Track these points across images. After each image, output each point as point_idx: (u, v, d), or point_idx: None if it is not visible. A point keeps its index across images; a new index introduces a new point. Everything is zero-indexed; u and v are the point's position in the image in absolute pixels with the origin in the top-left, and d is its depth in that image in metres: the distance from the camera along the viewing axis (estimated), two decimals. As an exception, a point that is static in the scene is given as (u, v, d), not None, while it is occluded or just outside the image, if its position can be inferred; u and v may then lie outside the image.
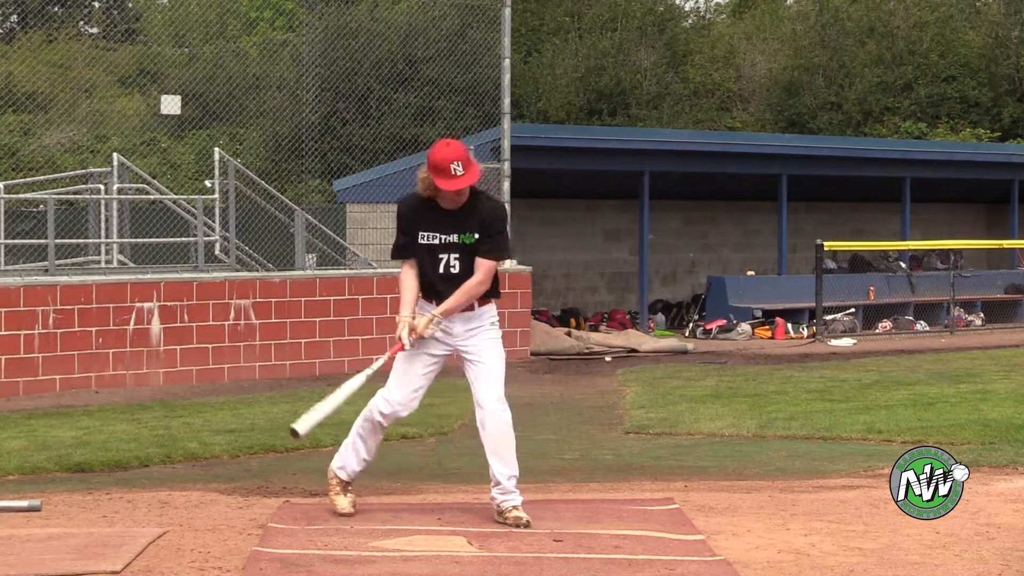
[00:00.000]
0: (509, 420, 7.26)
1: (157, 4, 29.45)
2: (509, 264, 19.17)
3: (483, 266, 7.21)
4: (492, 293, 7.37)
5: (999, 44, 38.67)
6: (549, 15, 38.90)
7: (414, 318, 7.23)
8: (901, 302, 24.51)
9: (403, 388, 7.31)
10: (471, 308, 7.29)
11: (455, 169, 7.04)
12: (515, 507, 7.20)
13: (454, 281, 7.23)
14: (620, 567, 6.27)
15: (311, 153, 21.47)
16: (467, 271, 7.24)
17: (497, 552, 6.57)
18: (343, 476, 7.47)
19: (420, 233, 7.23)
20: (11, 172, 21.18)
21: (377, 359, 7.41)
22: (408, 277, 7.30)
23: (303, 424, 7.28)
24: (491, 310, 7.37)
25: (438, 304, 7.23)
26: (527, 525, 7.09)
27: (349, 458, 7.47)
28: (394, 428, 11.41)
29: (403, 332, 7.20)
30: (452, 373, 7.65)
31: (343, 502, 7.43)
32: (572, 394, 14.98)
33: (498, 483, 7.22)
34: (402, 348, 7.25)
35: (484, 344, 7.30)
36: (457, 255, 7.22)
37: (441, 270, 7.23)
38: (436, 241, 7.22)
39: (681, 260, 27.24)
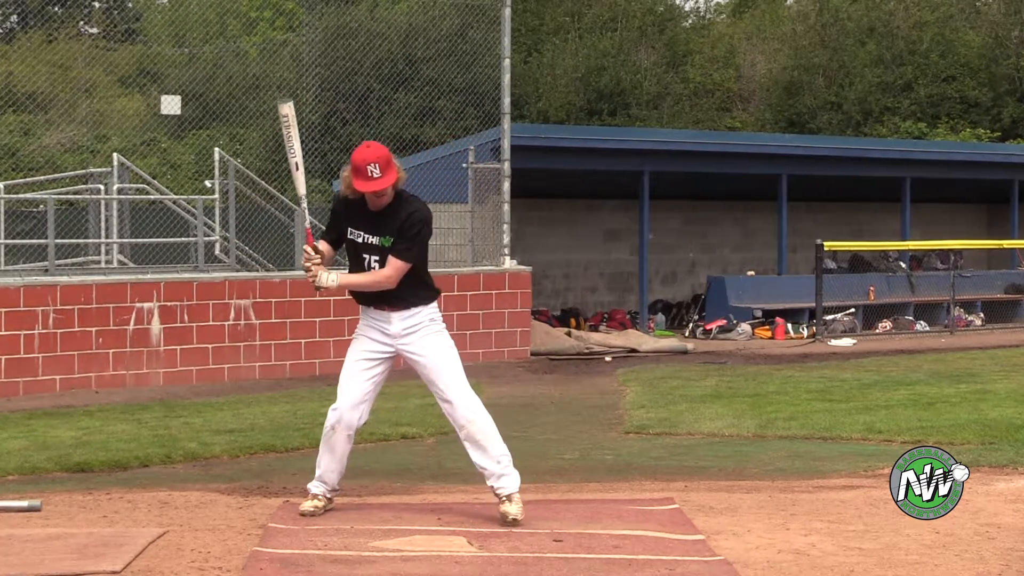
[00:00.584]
0: (480, 406, 7.32)
1: (157, 4, 29.47)
2: (509, 264, 19.18)
3: (391, 264, 7.30)
4: (425, 295, 7.43)
5: (999, 44, 38.68)
6: (549, 15, 38.92)
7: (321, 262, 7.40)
8: (901, 302, 24.50)
9: (347, 395, 7.39)
10: (407, 307, 7.36)
11: (372, 171, 7.15)
12: (509, 496, 7.23)
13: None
14: (620, 567, 6.27)
15: (311, 153, 21.47)
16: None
17: (497, 552, 6.57)
18: (315, 490, 7.52)
19: (349, 229, 7.39)
20: (11, 172, 21.20)
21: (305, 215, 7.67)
22: (321, 243, 7.47)
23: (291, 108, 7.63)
24: (428, 309, 7.42)
25: (376, 307, 7.38)
26: (515, 522, 7.14)
27: (319, 476, 7.54)
28: (394, 428, 11.46)
29: (316, 255, 7.36)
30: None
31: (307, 504, 7.50)
32: (572, 394, 14.98)
33: (490, 473, 7.26)
34: (310, 245, 7.40)
35: (427, 341, 7.37)
36: (377, 257, 7.34)
37: (366, 269, 7.37)
38: (360, 239, 7.36)
39: (681, 260, 27.23)
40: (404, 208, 7.35)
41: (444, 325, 7.45)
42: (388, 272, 7.28)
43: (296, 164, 7.56)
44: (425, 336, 7.36)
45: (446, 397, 7.35)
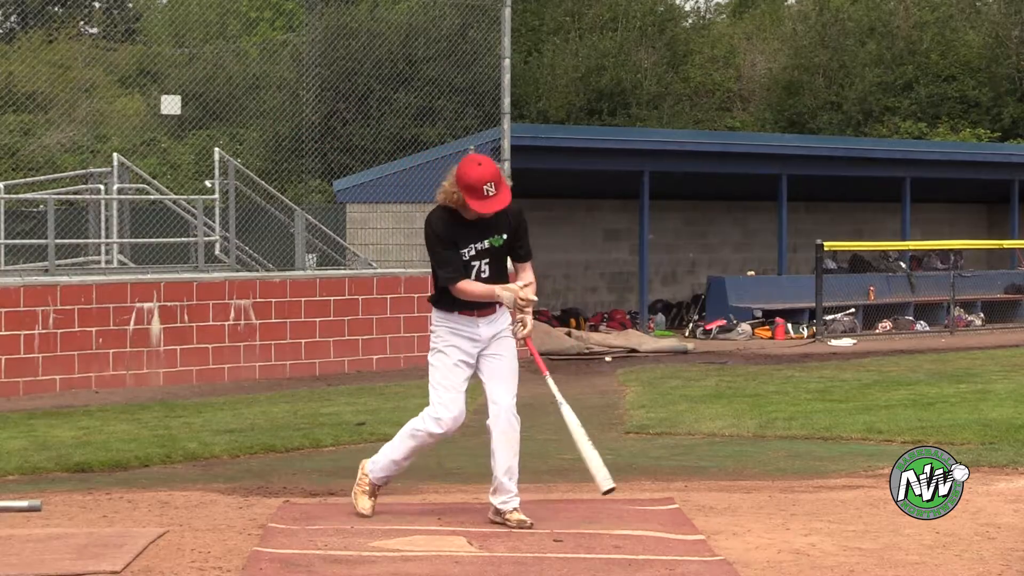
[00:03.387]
0: (519, 420, 7.26)
1: (157, 4, 29.47)
2: (509, 264, 19.16)
3: (528, 268, 7.31)
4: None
5: (999, 44, 38.66)
6: (549, 15, 38.89)
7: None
8: (901, 302, 24.51)
9: (453, 405, 7.22)
10: (493, 311, 7.28)
11: (487, 190, 6.97)
12: (515, 509, 7.19)
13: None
14: (620, 567, 6.27)
15: (311, 153, 21.47)
16: (495, 275, 7.25)
17: (497, 552, 6.57)
18: (377, 481, 7.44)
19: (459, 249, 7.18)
20: (11, 172, 21.20)
21: (548, 380, 7.39)
22: (472, 282, 7.18)
23: (604, 478, 7.24)
24: (508, 314, 7.36)
25: (463, 313, 7.18)
26: (531, 526, 7.09)
27: (389, 467, 7.42)
28: (394, 428, 11.40)
29: (507, 293, 7.17)
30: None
31: (366, 503, 7.40)
32: (572, 394, 14.86)
33: (499, 484, 7.19)
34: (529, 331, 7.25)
35: (504, 343, 7.30)
36: (487, 260, 7.22)
37: (473, 278, 7.19)
38: (473, 252, 7.17)
39: (681, 260, 27.24)
40: (510, 206, 7.17)
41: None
42: (531, 278, 7.32)
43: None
44: (504, 341, 7.29)
45: (498, 399, 7.21)
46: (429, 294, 7.40)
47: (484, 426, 7.32)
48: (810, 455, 10.17)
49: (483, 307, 7.24)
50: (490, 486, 7.25)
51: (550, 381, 7.34)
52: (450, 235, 7.12)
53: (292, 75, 24.97)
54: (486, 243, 7.18)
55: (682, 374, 16.53)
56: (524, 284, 7.25)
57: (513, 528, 7.08)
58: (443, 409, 7.19)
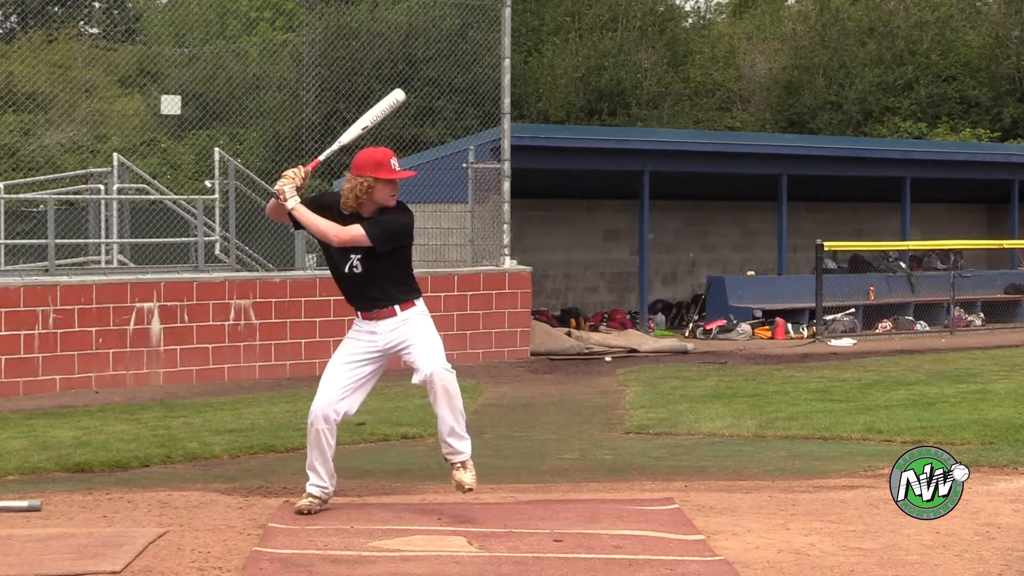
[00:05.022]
0: (451, 370, 7.36)
1: (157, 4, 29.47)
2: (509, 264, 19.18)
3: (352, 228, 7.38)
4: (408, 295, 7.50)
5: (999, 44, 38.68)
6: (549, 15, 38.91)
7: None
8: (901, 302, 24.51)
9: (325, 389, 7.44)
10: (393, 313, 7.44)
11: (394, 164, 7.39)
12: (460, 465, 7.36)
13: (356, 281, 7.47)
14: (620, 567, 6.27)
15: (311, 153, 21.42)
16: (369, 272, 7.42)
17: (497, 552, 6.57)
18: (313, 491, 7.54)
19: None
20: (11, 172, 21.19)
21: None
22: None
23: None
24: (416, 309, 7.49)
25: (364, 317, 7.48)
26: (469, 490, 7.30)
27: (311, 477, 7.56)
28: (394, 428, 11.45)
29: (299, 176, 7.50)
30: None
31: (302, 502, 7.52)
32: (572, 394, 14.98)
33: (443, 443, 7.40)
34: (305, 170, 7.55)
35: (412, 329, 7.43)
36: (360, 255, 7.42)
37: (346, 270, 7.47)
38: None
39: (681, 260, 27.24)
40: (394, 210, 7.46)
41: (430, 318, 7.54)
42: (339, 229, 7.37)
43: (364, 128, 7.79)
44: (411, 327, 7.44)
45: (423, 366, 7.34)
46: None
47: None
48: (810, 455, 10.18)
49: (379, 307, 7.44)
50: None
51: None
52: (330, 213, 7.48)
53: (292, 75, 24.98)
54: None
55: (682, 374, 16.53)
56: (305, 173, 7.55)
57: (452, 488, 7.25)
58: (319, 393, 7.47)
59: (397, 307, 7.44)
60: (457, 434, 7.36)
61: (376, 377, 7.58)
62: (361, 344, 7.48)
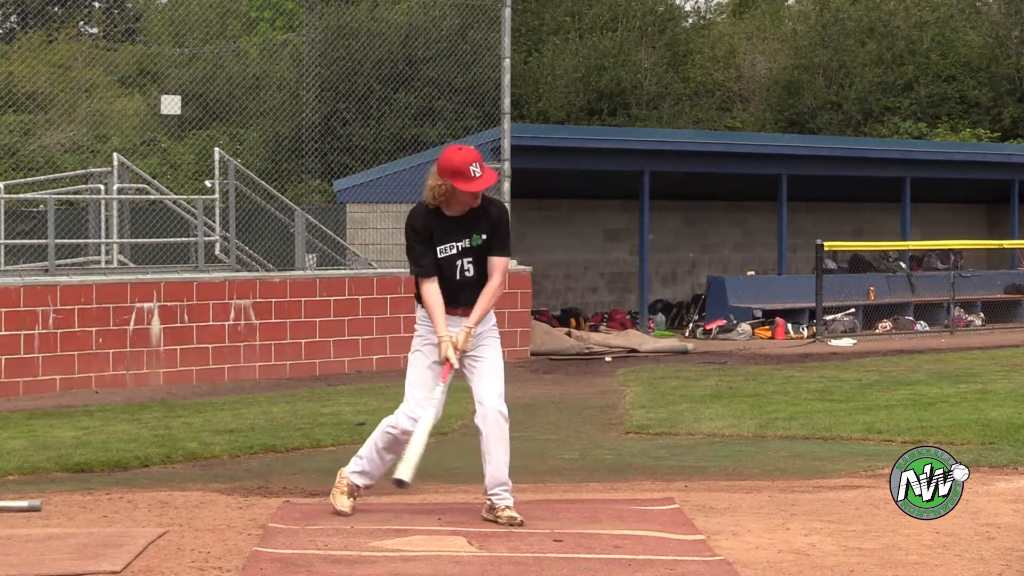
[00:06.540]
0: (507, 419, 7.26)
1: (157, 4, 29.47)
2: (509, 264, 19.16)
3: (499, 266, 7.28)
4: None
5: (999, 44, 38.66)
6: (549, 15, 38.89)
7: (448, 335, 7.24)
8: (901, 302, 24.51)
9: (427, 404, 7.25)
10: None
11: (474, 171, 7.07)
12: (508, 507, 7.21)
13: (470, 285, 7.27)
14: (620, 567, 6.27)
15: (311, 153, 21.46)
16: (480, 273, 7.28)
17: (497, 552, 6.57)
18: (356, 481, 7.47)
19: (437, 246, 7.23)
20: (11, 172, 21.18)
21: (439, 388, 7.29)
22: (434, 293, 7.24)
23: (405, 471, 7.16)
24: (492, 315, 7.41)
25: (456, 310, 7.25)
26: (521, 524, 7.11)
27: (366, 468, 7.46)
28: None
29: (449, 352, 7.17)
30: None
31: (345, 502, 7.43)
32: (572, 394, 14.98)
33: (491, 482, 7.23)
34: (451, 368, 7.22)
35: (486, 342, 7.33)
36: (471, 259, 7.27)
37: (458, 276, 7.26)
38: (453, 251, 7.24)
39: (681, 260, 27.24)
40: (491, 206, 7.29)
41: (500, 335, 7.43)
42: (499, 279, 7.25)
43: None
44: (486, 340, 7.32)
45: (484, 399, 7.23)
46: (415, 292, 7.45)
47: (473, 426, 7.35)
48: (810, 455, 10.18)
49: (465, 305, 7.27)
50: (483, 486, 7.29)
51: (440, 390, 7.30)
52: (427, 230, 7.23)
53: (292, 75, 24.96)
54: (467, 242, 7.25)
55: (682, 374, 16.53)
56: (466, 328, 7.20)
57: (504, 524, 7.10)
58: (418, 408, 7.26)
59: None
60: (507, 484, 7.23)
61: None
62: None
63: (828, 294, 22.41)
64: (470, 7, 21.16)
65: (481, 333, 7.31)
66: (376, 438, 7.44)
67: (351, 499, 7.44)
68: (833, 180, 25.79)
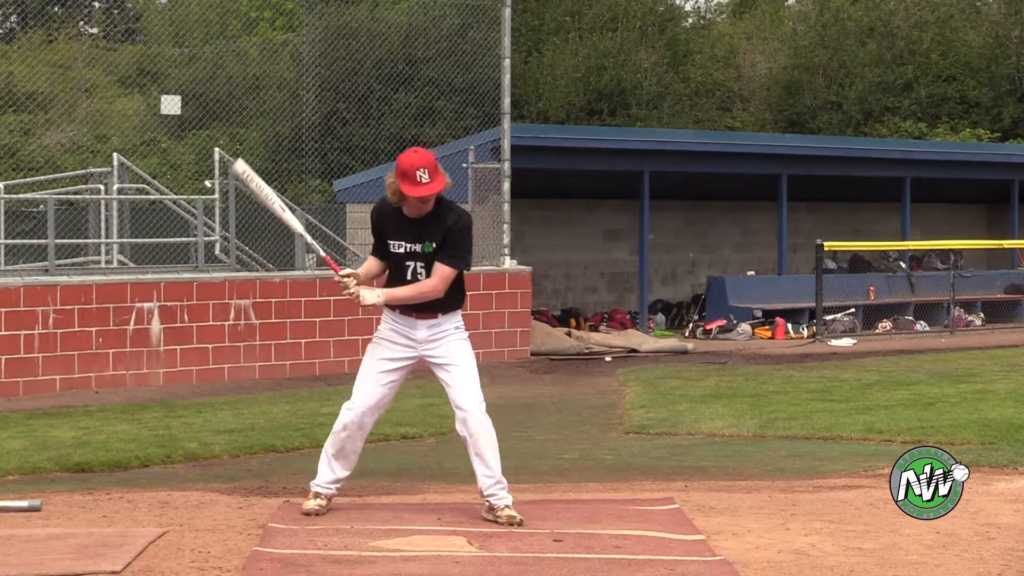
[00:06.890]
0: (488, 418, 7.31)
1: (157, 4, 29.48)
2: (509, 264, 19.18)
3: (439, 271, 7.25)
4: (456, 303, 7.40)
5: (999, 44, 38.66)
6: (549, 15, 38.89)
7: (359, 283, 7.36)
8: (901, 302, 24.51)
9: (368, 396, 7.35)
10: (434, 316, 7.33)
11: (420, 176, 7.12)
12: (507, 506, 7.22)
13: None
14: (620, 567, 6.27)
15: (311, 153, 21.47)
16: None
17: (497, 552, 6.57)
18: (319, 491, 7.50)
19: (388, 242, 7.34)
20: (11, 172, 21.19)
21: (317, 249, 7.66)
22: (369, 261, 7.46)
23: (243, 166, 7.59)
24: (455, 317, 7.42)
25: (403, 312, 7.33)
26: (521, 523, 7.11)
27: (325, 475, 7.51)
28: (394, 428, 11.45)
29: (348, 278, 7.29)
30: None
31: (310, 503, 7.47)
32: (572, 394, 14.98)
33: (485, 485, 7.25)
34: (338, 274, 7.32)
35: (452, 347, 7.34)
36: (422, 264, 7.30)
37: (408, 277, 7.31)
38: (402, 250, 7.31)
39: (681, 260, 27.24)
40: (448, 215, 7.30)
41: (467, 335, 7.42)
42: (434, 282, 7.23)
43: (281, 207, 7.56)
44: (451, 343, 7.33)
45: (462, 404, 7.28)
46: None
47: (456, 433, 7.40)
48: (810, 455, 10.18)
49: (421, 309, 7.31)
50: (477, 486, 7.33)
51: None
52: (379, 225, 7.38)
53: (292, 75, 24.96)
54: (418, 247, 7.29)
55: (682, 374, 16.53)
56: (379, 294, 7.29)
57: (503, 524, 7.11)
58: (356, 398, 7.35)
59: (440, 313, 7.33)
60: (502, 482, 7.28)
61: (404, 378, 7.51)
62: (398, 348, 7.35)
63: (828, 294, 22.41)
64: (470, 7, 21.16)
65: (442, 335, 7.32)
66: (327, 445, 7.53)
67: (316, 501, 7.47)
68: (833, 180, 25.79)
